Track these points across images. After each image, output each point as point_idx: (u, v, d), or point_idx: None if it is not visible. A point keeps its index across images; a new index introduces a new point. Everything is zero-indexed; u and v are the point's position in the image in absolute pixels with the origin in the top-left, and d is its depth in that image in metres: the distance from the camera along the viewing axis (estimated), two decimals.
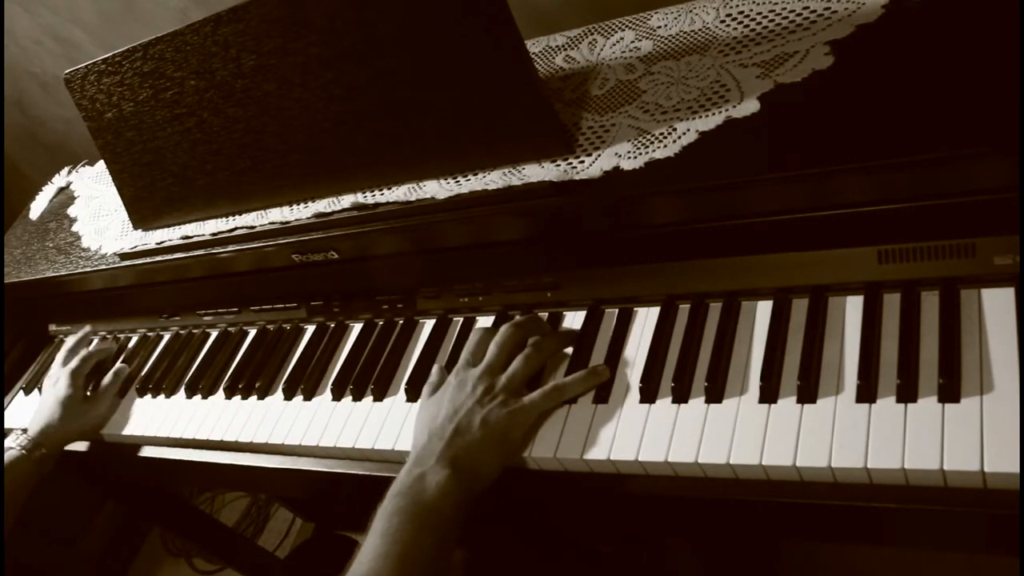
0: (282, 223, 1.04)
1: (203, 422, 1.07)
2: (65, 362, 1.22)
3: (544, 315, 0.92)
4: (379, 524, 0.73)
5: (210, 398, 1.10)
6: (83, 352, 1.22)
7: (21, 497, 1.10)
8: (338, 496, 0.98)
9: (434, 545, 0.72)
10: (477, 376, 0.82)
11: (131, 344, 1.28)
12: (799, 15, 0.86)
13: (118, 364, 1.22)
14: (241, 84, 0.99)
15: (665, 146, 0.83)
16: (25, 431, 1.13)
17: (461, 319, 0.99)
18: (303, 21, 0.92)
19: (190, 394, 1.12)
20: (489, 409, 0.79)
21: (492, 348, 0.85)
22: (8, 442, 1.12)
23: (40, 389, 1.31)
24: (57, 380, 1.18)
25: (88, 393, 1.18)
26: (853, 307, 0.77)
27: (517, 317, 0.90)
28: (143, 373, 1.21)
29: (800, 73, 0.81)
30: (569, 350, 0.87)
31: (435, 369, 0.90)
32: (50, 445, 1.12)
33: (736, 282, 0.82)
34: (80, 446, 1.18)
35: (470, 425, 0.78)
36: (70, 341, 1.27)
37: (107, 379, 1.19)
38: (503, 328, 0.87)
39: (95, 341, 1.30)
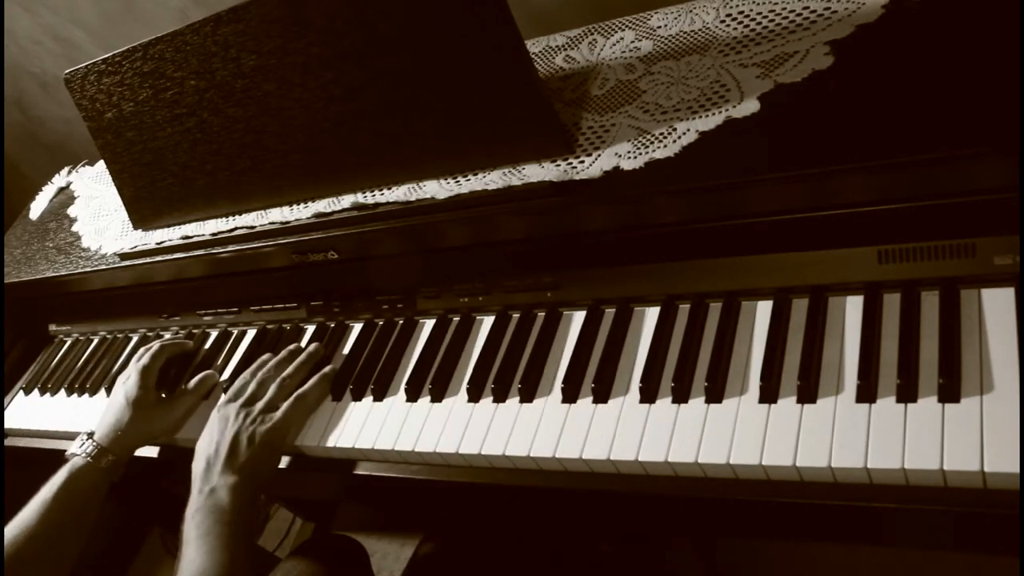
0: (282, 223, 1.04)
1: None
2: (137, 358, 1.10)
3: (543, 314, 0.93)
4: (194, 541, 0.84)
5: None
6: (155, 347, 1.11)
7: (92, 510, 0.99)
8: (336, 495, 0.98)
9: (246, 534, 0.87)
10: (238, 406, 0.96)
11: (208, 343, 1.19)
12: (799, 15, 0.86)
13: (206, 372, 1.10)
14: (241, 84, 0.99)
15: (665, 146, 0.83)
16: (91, 435, 1.02)
17: (461, 319, 0.99)
18: (303, 21, 0.92)
19: None
20: (253, 429, 0.93)
21: (252, 385, 0.99)
22: (73, 448, 1.01)
23: (40, 388, 1.32)
24: (128, 377, 1.07)
25: (163, 395, 1.09)
26: (853, 307, 0.77)
27: (310, 347, 1.04)
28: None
29: (800, 73, 0.81)
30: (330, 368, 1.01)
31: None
32: (119, 450, 1.01)
33: (736, 282, 0.82)
34: (151, 451, 1.09)
35: (240, 444, 0.92)
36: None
37: (192, 384, 1.08)
38: (261, 370, 1.01)
39: (166, 335, 1.22)
